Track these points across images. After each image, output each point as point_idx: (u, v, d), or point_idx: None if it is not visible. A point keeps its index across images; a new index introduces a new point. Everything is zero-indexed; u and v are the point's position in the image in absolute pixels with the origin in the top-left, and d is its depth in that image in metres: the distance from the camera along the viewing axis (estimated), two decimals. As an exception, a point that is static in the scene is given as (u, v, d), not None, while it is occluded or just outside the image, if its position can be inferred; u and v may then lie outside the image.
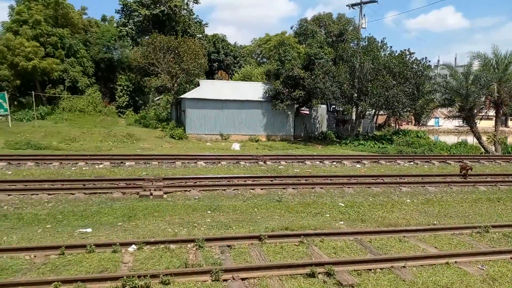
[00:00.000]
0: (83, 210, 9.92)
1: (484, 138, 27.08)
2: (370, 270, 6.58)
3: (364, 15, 31.73)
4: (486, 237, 8.55)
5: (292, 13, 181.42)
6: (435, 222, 9.84)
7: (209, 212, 10.26)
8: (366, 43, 30.43)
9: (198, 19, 42.55)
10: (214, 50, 47.23)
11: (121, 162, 16.33)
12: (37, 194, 10.84)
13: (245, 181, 13.30)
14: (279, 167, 17.04)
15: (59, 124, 30.44)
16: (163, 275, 5.84)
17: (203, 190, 12.10)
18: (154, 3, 36.95)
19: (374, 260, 6.80)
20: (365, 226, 9.25)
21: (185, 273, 6.07)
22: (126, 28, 37.41)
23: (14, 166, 14.85)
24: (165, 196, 11.40)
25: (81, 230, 8.45)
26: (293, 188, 12.64)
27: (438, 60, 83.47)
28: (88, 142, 24.18)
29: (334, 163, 18.50)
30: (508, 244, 8.21)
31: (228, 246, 7.43)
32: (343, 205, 11.32)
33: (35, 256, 6.72)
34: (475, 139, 28.28)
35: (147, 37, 36.93)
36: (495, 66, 26.29)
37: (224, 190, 12.17)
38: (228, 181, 13.08)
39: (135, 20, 36.81)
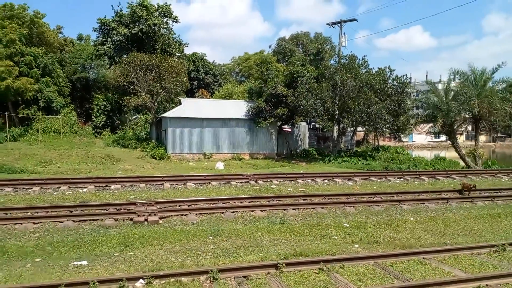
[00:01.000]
0: (74, 240, 9.06)
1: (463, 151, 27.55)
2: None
3: (344, 33, 32.00)
4: (505, 256, 8.29)
5: (267, 33, 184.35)
6: (448, 241, 9.54)
7: (211, 237, 9.63)
8: (348, 61, 30.68)
9: (178, 39, 42.17)
10: (194, 68, 46.86)
11: (106, 185, 15.51)
12: (21, 224, 9.86)
13: (241, 202, 12.80)
14: (272, 186, 16.55)
15: (33, 146, 29.00)
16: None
17: (200, 213, 11.44)
18: (133, 21, 36.29)
19: (406, 287, 6.36)
20: (381, 248, 8.83)
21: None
22: (104, 47, 36.50)
23: (-10, 193, 13.72)
24: (160, 221, 10.66)
25: (75, 263, 7.68)
26: (293, 209, 12.17)
27: (410, 78, 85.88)
28: (66, 164, 23.00)
29: (326, 181, 18.22)
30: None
31: (244, 277, 6.83)
32: (348, 225, 10.91)
33: (29, 298, 5.92)
34: (449, 154, 28.72)
35: (125, 56, 36.08)
36: (473, 82, 26.97)
37: (223, 213, 11.55)
38: (224, 203, 12.56)
39: (113, 38, 35.99)
